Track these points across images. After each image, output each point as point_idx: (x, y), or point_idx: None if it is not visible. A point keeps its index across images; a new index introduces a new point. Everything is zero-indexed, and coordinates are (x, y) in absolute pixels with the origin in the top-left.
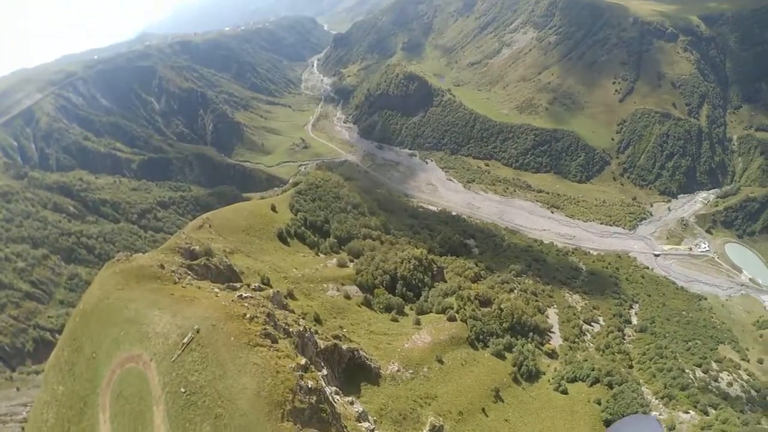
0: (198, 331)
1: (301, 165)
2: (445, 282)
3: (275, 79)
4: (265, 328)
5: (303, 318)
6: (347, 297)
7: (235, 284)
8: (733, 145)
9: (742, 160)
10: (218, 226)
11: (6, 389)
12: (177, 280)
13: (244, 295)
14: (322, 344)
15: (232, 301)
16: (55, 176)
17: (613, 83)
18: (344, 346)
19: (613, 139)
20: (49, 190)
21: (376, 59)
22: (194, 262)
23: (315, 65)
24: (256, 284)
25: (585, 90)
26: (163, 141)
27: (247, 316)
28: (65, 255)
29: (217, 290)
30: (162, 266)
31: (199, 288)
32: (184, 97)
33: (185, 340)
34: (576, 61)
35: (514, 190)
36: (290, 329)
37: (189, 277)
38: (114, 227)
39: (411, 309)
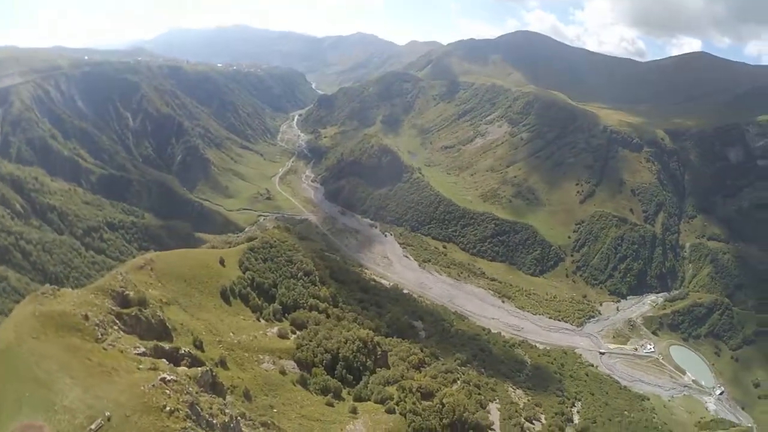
0: (109, 419)
1: (260, 215)
2: (388, 368)
3: (254, 125)
4: (184, 428)
5: (230, 396)
6: (283, 372)
7: (163, 345)
8: (685, 252)
9: (692, 267)
10: (160, 271)
11: None
12: (99, 337)
13: (168, 378)
14: None
15: (153, 386)
16: (11, 167)
17: (576, 184)
18: None
19: (569, 237)
20: (0, 180)
21: (354, 126)
22: (125, 311)
23: (295, 120)
24: (186, 350)
25: (548, 188)
26: (128, 160)
27: (167, 408)
28: None
29: (139, 362)
30: (86, 317)
31: (122, 352)
32: (160, 122)
33: (93, 426)
34: (544, 160)
35: (468, 276)
36: (214, 420)
37: (115, 330)
38: (56, 238)
39: (349, 394)
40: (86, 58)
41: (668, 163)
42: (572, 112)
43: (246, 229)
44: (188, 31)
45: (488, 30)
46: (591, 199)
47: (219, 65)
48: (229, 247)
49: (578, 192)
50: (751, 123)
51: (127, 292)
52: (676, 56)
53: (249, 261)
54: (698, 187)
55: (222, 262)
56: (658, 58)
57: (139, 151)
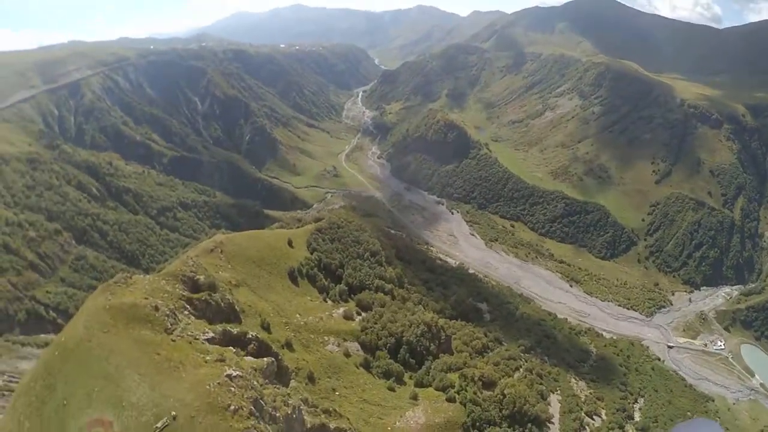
0: (174, 419)
1: (327, 192)
2: (452, 353)
3: (319, 103)
4: (247, 427)
5: (294, 380)
6: (347, 354)
7: (231, 330)
8: (765, 242)
9: None
10: (230, 253)
11: None
12: (169, 326)
13: (233, 374)
14: (309, 422)
15: (218, 384)
16: (86, 154)
17: (652, 163)
18: (332, 425)
19: (643, 220)
20: (76, 167)
21: (419, 101)
22: (195, 296)
23: (360, 96)
24: (253, 334)
25: (622, 166)
26: (198, 142)
27: (231, 407)
28: (77, 234)
29: (206, 353)
30: (156, 307)
31: (190, 343)
32: (228, 104)
33: (159, 425)
34: (617, 135)
35: (536, 257)
36: (277, 413)
37: (185, 316)
38: (132, 218)
39: (410, 378)
40: (151, 47)
41: (749, 142)
42: (647, 84)
43: (314, 206)
44: (247, 15)
45: None
46: (667, 180)
47: (281, 46)
48: (298, 227)
49: (654, 171)
50: None
51: (197, 277)
52: (755, 22)
53: (316, 242)
54: None
55: (290, 243)
56: (736, 25)
57: (209, 133)
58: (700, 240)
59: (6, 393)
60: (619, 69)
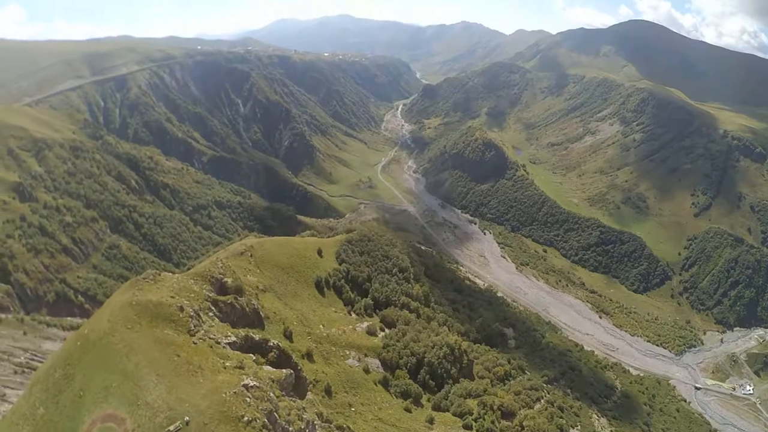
0: (187, 424)
1: (361, 203)
2: (473, 379)
3: (358, 113)
4: None
5: (311, 392)
6: (366, 370)
7: (253, 335)
8: None
9: None
10: (259, 257)
11: (14, 329)
12: (192, 328)
13: (250, 384)
14: None
15: (234, 393)
16: (128, 147)
17: (692, 195)
18: None
19: (679, 254)
20: (117, 158)
21: (458, 118)
22: (221, 298)
23: (399, 109)
24: (275, 342)
25: (661, 196)
26: (238, 143)
27: (245, 418)
28: (113, 224)
29: (226, 358)
30: (181, 308)
31: (211, 348)
32: (269, 108)
33: (172, 428)
34: (658, 164)
35: (566, 285)
36: (290, 428)
37: (210, 317)
38: (167, 213)
39: (428, 401)
40: (198, 48)
41: None
42: (690, 113)
43: (346, 216)
44: (294, 21)
45: (599, 18)
46: (706, 213)
47: (325, 54)
48: (329, 236)
49: (693, 203)
50: None
51: (225, 279)
52: None
53: (346, 253)
54: None
55: (319, 253)
56: None
57: (249, 135)
58: (736, 278)
59: (27, 370)
60: (662, 96)
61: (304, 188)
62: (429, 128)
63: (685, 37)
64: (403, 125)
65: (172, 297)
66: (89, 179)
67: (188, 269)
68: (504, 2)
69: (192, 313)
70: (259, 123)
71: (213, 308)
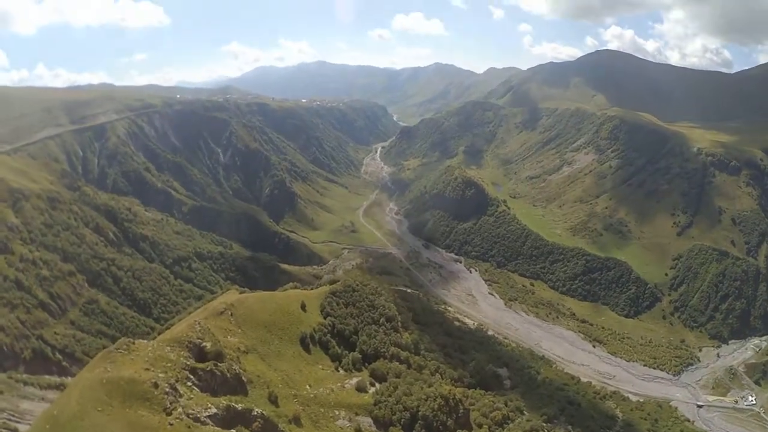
0: None
1: (345, 248)
2: (470, 428)
3: (338, 158)
4: None
5: None
6: (358, 431)
7: (236, 406)
8: None
9: None
10: (240, 316)
11: None
12: (168, 406)
13: None
14: None
15: None
16: (106, 197)
17: (672, 215)
18: None
19: (666, 275)
20: (96, 210)
21: (436, 157)
22: (200, 366)
23: (378, 152)
24: (259, 411)
25: (642, 219)
26: (218, 192)
27: None
28: (91, 278)
29: None
30: (156, 384)
31: (189, 428)
32: (249, 156)
33: None
34: (635, 188)
35: (557, 317)
36: None
37: (188, 388)
38: (146, 265)
39: None
40: (178, 96)
41: None
42: (662, 135)
43: (330, 262)
44: (273, 69)
45: (567, 51)
46: (689, 231)
47: (303, 101)
48: (312, 288)
49: (674, 223)
50: None
51: (203, 344)
52: (766, 64)
53: (330, 306)
54: None
55: (303, 307)
56: (747, 68)
57: (229, 184)
58: (725, 292)
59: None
60: (634, 121)
61: (287, 236)
62: (408, 169)
63: (650, 61)
64: (382, 168)
65: (147, 369)
66: (66, 231)
67: (167, 328)
68: (475, 43)
69: (168, 389)
70: (239, 171)
71: (191, 377)
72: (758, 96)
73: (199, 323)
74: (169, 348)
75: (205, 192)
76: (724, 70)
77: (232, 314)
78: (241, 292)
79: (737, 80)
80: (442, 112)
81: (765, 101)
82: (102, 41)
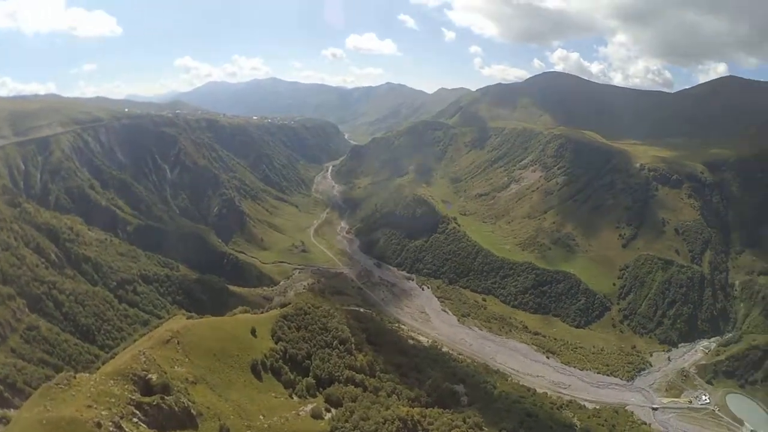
0: None
1: (295, 268)
2: None
3: (289, 177)
4: None
5: None
6: None
7: None
8: (736, 291)
9: (744, 307)
10: (188, 344)
11: None
12: None
13: None
14: None
15: None
16: (48, 216)
17: (617, 228)
18: None
19: (614, 285)
20: (37, 229)
21: (387, 176)
22: (146, 400)
23: (329, 171)
24: None
25: (589, 233)
26: (165, 211)
27: None
28: (31, 302)
29: None
30: (99, 424)
31: None
32: (197, 174)
33: None
34: (582, 203)
35: (510, 330)
36: None
37: (133, 425)
38: (89, 289)
39: None
40: (126, 110)
41: (710, 198)
42: (606, 152)
43: (280, 282)
44: (225, 85)
45: (515, 72)
46: (634, 242)
47: (254, 118)
48: (262, 311)
49: (620, 236)
50: None
51: (149, 376)
52: (704, 83)
53: (282, 330)
54: (743, 219)
55: (253, 332)
56: (687, 87)
57: (176, 202)
58: (672, 298)
59: None
60: (579, 139)
61: (236, 256)
62: (359, 188)
63: (594, 82)
64: (333, 186)
65: (90, 407)
66: (6, 251)
67: (111, 357)
68: (426, 63)
69: (112, 428)
70: (187, 189)
71: (137, 412)
72: (697, 114)
73: (143, 353)
74: (112, 381)
75: (152, 210)
76: (665, 89)
77: (178, 342)
78: (188, 318)
79: (677, 99)
80: (393, 131)
81: (704, 119)
82: (51, 50)
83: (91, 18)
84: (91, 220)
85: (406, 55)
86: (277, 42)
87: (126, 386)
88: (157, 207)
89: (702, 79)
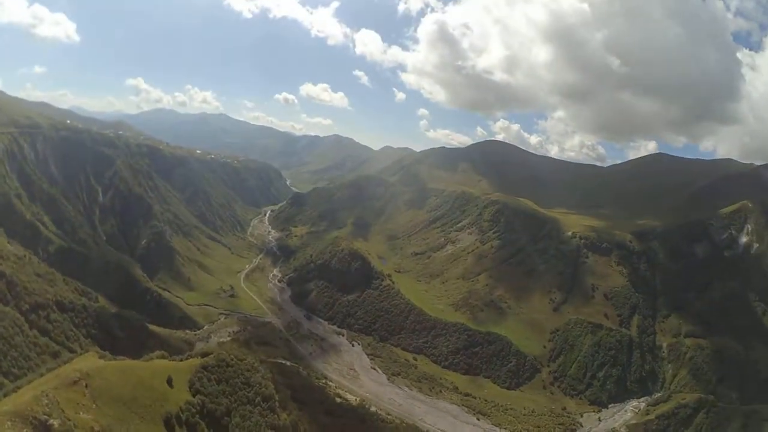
0: None
1: (222, 313)
2: None
3: (225, 216)
4: None
5: None
6: None
7: None
8: (663, 352)
9: (672, 367)
10: (96, 389)
11: None
12: None
13: None
14: None
15: None
16: None
17: (549, 292)
18: None
19: (545, 347)
20: None
21: (325, 227)
22: None
23: (267, 215)
24: None
25: (521, 296)
26: (90, 236)
27: None
28: None
29: None
30: None
31: None
32: (130, 201)
33: None
34: (514, 267)
35: (440, 391)
36: None
37: None
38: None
39: None
40: (68, 122)
41: (638, 265)
42: (540, 219)
43: (204, 327)
44: (173, 113)
45: (458, 138)
46: (565, 306)
47: (198, 152)
48: (181, 359)
49: (551, 300)
50: (713, 216)
51: (50, 422)
52: (635, 159)
53: (201, 381)
54: (669, 285)
55: (170, 382)
56: (619, 162)
57: (104, 228)
58: (601, 360)
59: None
60: (515, 206)
61: (159, 294)
62: (296, 236)
63: (532, 153)
64: (269, 232)
65: None
66: None
67: (14, 390)
68: (374, 121)
69: None
70: (117, 216)
71: None
72: (627, 187)
73: (47, 395)
74: (9, 423)
75: (77, 232)
76: (598, 163)
77: (87, 385)
78: (100, 356)
79: (609, 173)
80: (335, 183)
81: (633, 192)
82: (5, 43)
83: (51, 18)
84: (12, 233)
85: (357, 109)
86: (231, 79)
87: (24, 430)
88: (84, 230)
89: (633, 155)
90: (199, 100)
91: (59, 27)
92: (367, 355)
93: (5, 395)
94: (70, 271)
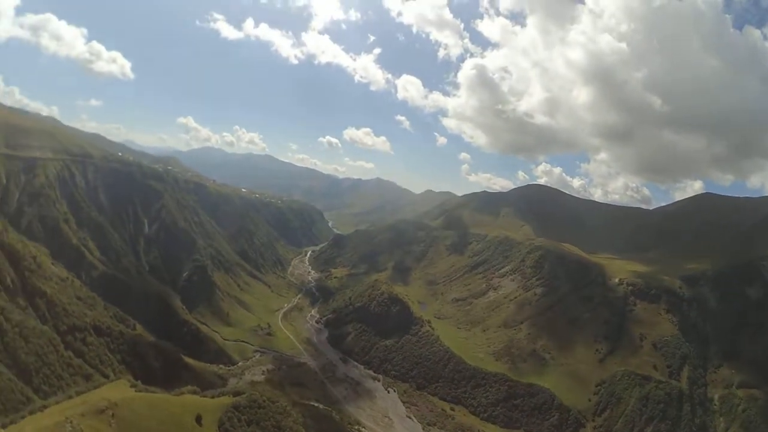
0: None
1: (257, 351)
2: None
3: (266, 255)
4: None
5: None
6: None
7: None
8: (715, 404)
9: (724, 421)
10: (123, 419)
11: None
12: None
13: None
14: None
15: None
16: (15, 237)
17: (595, 341)
18: None
19: (590, 400)
20: (0, 248)
21: (365, 270)
22: None
23: (308, 255)
24: None
25: (565, 346)
26: (134, 265)
27: None
28: None
29: None
30: None
31: None
32: (175, 234)
33: None
34: (559, 316)
35: None
36: None
37: None
38: (37, 326)
39: None
40: (120, 154)
41: (688, 312)
42: (585, 266)
43: (239, 363)
44: (221, 152)
45: (500, 182)
46: (611, 357)
47: (243, 190)
48: (212, 396)
49: (597, 350)
50: (765, 256)
51: None
52: (681, 200)
53: (231, 421)
54: (721, 332)
55: (198, 420)
56: (664, 204)
57: (147, 258)
58: (650, 414)
59: None
60: (558, 251)
61: (197, 327)
62: (335, 278)
63: (575, 197)
64: (309, 272)
65: None
66: None
67: (41, 409)
68: (415, 165)
69: None
70: (161, 247)
71: None
72: (674, 230)
73: (71, 422)
74: None
75: (121, 261)
76: (643, 206)
77: (113, 415)
78: (132, 385)
79: (654, 215)
80: (376, 226)
81: (680, 235)
82: (65, 75)
83: (108, 56)
84: (57, 255)
85: (398, 153)
86: (277, 121)
87: None
88: (127, 258)
89: (679, 196)
90: (246, 140)
91: (115, 64)
92: (403, 402)
93: (31, 412)
94: (111, 298)
